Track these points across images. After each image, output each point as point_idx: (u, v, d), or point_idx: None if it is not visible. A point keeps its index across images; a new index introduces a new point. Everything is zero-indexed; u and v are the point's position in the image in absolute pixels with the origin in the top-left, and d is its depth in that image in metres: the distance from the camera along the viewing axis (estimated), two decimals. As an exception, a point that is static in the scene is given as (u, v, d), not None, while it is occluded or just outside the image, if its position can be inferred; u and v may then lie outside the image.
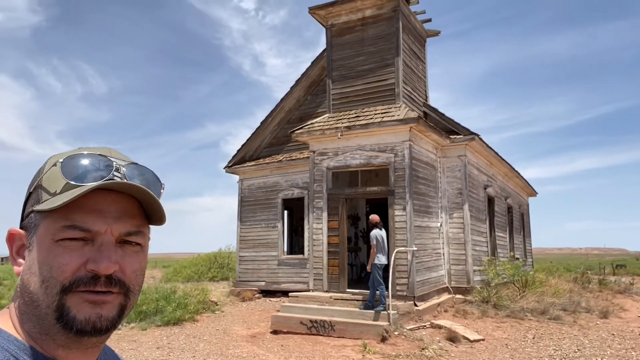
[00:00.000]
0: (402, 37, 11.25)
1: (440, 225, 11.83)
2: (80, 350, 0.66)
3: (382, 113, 10.59)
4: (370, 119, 10.50)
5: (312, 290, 10.58)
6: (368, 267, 9.09)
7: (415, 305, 9.55)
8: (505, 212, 16.37)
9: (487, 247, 13.44)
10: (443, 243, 11.85)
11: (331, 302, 9.64)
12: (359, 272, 14.64)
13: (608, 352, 7.24)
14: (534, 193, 22.61)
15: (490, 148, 13.41)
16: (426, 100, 12.81)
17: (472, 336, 8.12)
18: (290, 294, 10.73)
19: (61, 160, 0.67)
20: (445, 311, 10.29)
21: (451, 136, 11.97)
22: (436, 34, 13.65)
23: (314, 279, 10.69)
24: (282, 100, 14.81)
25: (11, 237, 0.69)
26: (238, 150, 15.26)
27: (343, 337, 8.33)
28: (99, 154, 0.69)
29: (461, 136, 11.99)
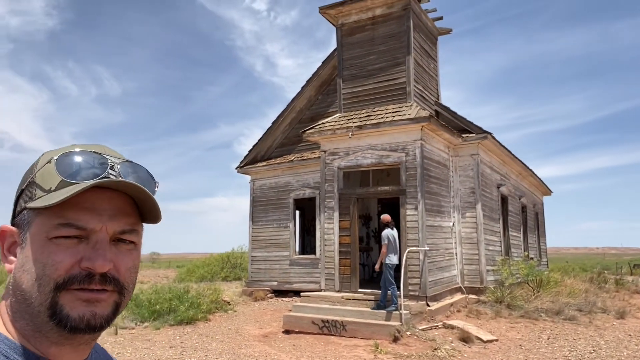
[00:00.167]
0: (413, 35, 11.19)
1: (453, 224, 11.74)
2: (73, 347, 0.66)
3: (393, 112, 10.54)
4: (381, 118, 10.46)
5: (324, 290, 10.57)
6: (377, 267, 9.06)
7: (428, 305, 9.49)
8: (519, 212, 16.18)
9: (501, 246, 13.29)
10: (456, 243, 11.76)
11: (343, 302, 9.63)
12: (370, 272, 14.60)
13: (625, 353, 7.11)
14: (548, 192, 22.32)
15: (504, 146, 13.26)
16: (438, 99, 12.72)
17: (485, 336, 8.04)
18: (302, 293, 10.74)
19: (56, 157, 0.66)
20: (458, 311, 10.21)
21: (463, 135, 11.87)
22: (448, 32, 13.55)
23: (326, 279, 10.69)
24: (293, 100, 14.84)
25: (2, 235, 0.68)
26: (250, 151, 15.32)
27: (355, 337, 8.31)
28: (93, 152, 0.68)
29: (474, 135, 11.88)
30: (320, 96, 14.67)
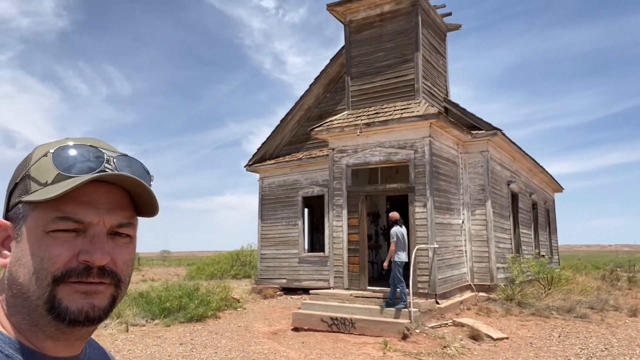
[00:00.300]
0: (422, 31, 11.12)
1: (462, 222, 11.67)
2: (69, 342, 0.66)
3: (401, 109, 10.49)
4: (390, 115, 10.42)
5: (333, 288, 10.58)
6: (385, 264, 9.04)
7: (437, 303, 9.45)
8: (529, 209, 16.04)
9: (511, 244, 13.19)
10: (465, 240, 11.69)
11: (352, 300, 9.63)
12: (379, 269, 14.57)
13: (637, 352, 7.02)
14: (559, 189, 22.09)
15: (514, 143, 13.15)
16: (447, 96, 12.64)
17: (496, 334, 7.99)
18: (311, 291, 10.76)
19: (52, 150, 0.66)
20: (468, 309, 10.15)
21: (473, 131, 11.79)
22: (457, 27, 13.45)
23: (335, 277, 10.69)
24: (301, 98, 14.84)
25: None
26: (258, 149, 15.36)
27: (364, 335, 8.31)
28: (89, 145, 0.68)
29: (483, 131, 11.79)
30: (328, 94, 14.66)
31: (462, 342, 7.65)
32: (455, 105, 12.30)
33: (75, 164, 0.65)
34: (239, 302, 11.79)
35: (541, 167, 16.93)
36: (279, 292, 13.70)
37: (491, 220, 11.66)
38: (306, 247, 14.59)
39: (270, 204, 14.88)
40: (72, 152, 0.66)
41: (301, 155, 14.37)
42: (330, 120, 11.53)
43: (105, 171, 0.66)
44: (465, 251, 11.68)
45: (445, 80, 12.81)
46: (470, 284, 11.53)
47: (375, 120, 10.46)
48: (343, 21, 12.00)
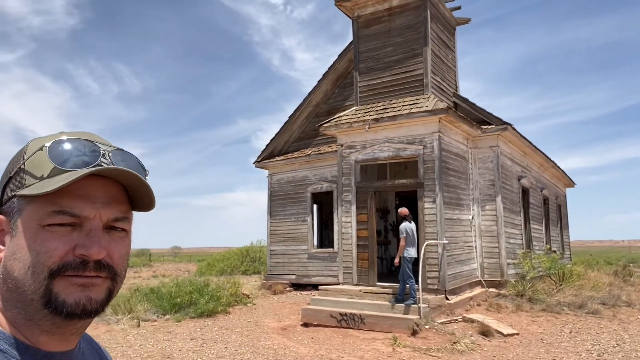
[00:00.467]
0: (431, 26, 11.04)
1: (472, 217, 11.61)
2: (64, 336, 0.67)
3: (410, 104, 10.44)
4: (398, 110, 10.38)
5: (342, 284, 10.59)
6: (396, 260, 9.02)
7: (447, 298, 9.42)
8: (540, 204, 15.90)
9: (522, 239, 13.09)
10: (475, 236, 11.63)
11: (361, 296, 9.63)
12: (389, 265, 14.56)
13: (650, 348, 6.94)
14: (571, 184, 21.86)
15: (524, 138, 13.02)
16: (456, 90, 12.55)
17: (506, 330, 7.95)
18: (320, 287, 10.79)
19: (48, 144, 0.66)
20: (478, 305, 10.11)
21: (483, 126, 11.70)
22: (466, 21, 13.33)
23: (344, 273, 10.70)
24: (309, 94, 14.83)
25: None
26: (267, 145, 15.39)
27: (373, 331, 8.32)
28: (85, 139, 0.68)
29: (493, 126, 11.70)
30: (336, 90, 14.63)
31: (472, 338, 7.63)
32: (465, 100, 12.20)
33: (71, 158, 0.65)
34: (248, 298, 11.86)
35: (552, 162, 16.76)
36: (288, 288, 13.76)
37: (501, 215, 11.58)
38: (315, 243, 14.61)
39: (279, 200, 14.92)
40: (68, 146, 0.66)
41: (310, 152, 14.37)
42: (339, 116, 11.51)
43: (102, 165, 0.66)
44: (475, 247, 11.62)
45: (455, 74, 12.72)
46: (480, 280, 11.48)
47: (384, 116, 10.42)
48: (351, 16, 11.95)
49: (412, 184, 10.32)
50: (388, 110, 10.60)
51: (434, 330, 7.94)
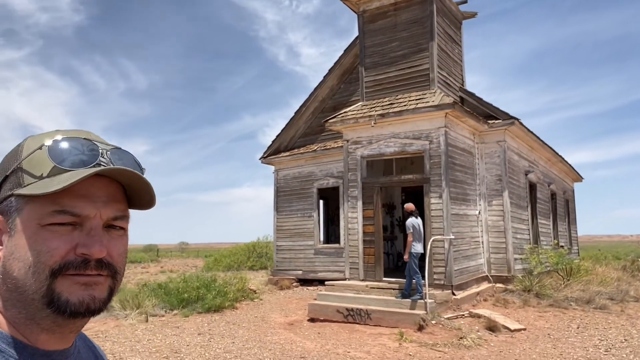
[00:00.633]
0: (437, 20, 10.97)
1: (479, 213, 11.57)
2: (63, 335, 0.67)
3: (416, 99, 10.40)
4: (404, 105, 10.34)
5: (348, 279, 10.62)
6: (405, 257, 9.01)
7: (453, 294, 9.42)
8: (548, 199, 15.81)
9: (529, 234, 13.04)
10: (482, 231, 11.59)
11: (367, 291, 9.65)
12: (395, 260, 14.56)
13: (659, 344, 6.91)
14: (579, 178, 21.70)
15: (532, 132, 12.94)
16: (463, 85, 12.48)
17: (513, 325, 7.94)
18: (326, 282, 10.82)
19: (48, 143, 0.65)
20: (485, 300, 10.10)
21: (489, 121, 11.63)
22: (472, 15, 13.23)
23: (350, 268, 10.72)
24: (315, 89, 14.81)
25: None
26: (273, 141, 15.41)
27: (379, 326, 8.34)
28: (84, 138, 0.68)
29: (500, 121, 11.63)
30: (342, 85, 14.60)
31: (479, 333, 7.63)
32: (472, 95, 12.13)
33: (71, 157, 0.65)
34: (255, 293, 11.92)
35: (560, 156, 16.65)
36: (295, 283, 13.81)
37: (508, 210, 11.53)
38: (322, 238, 14.64)
39: (285, 196, 14.95)
40: (68, 145, 0.66)
41: (316, 147, 14.38)
42: (345, 112, 11.49)
43: (101, 164, 0.66)
44: (482, 242, 11.58)
45: (461, 69, 12.64)
46: (487, 275, 11.45)
47: (390, 111, 10.39)
48: (356, 11, 11.90)
49: (418, 180, 10.30)
50: (394, 106, 10.56)
51: (441, 326, 7.95)
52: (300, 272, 14.18)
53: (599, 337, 7.36)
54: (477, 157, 11.80)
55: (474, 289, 10.30)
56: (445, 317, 8.39)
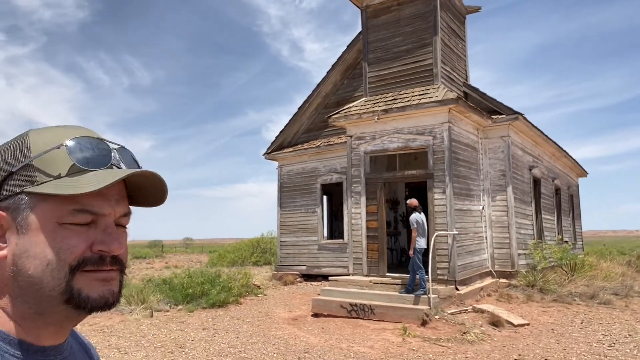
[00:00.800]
0: (440, 15, 10.92)
1: (483, 208, 11.55)
2: (66, 329, 0.69)
3: (419, 95, 10.37)
4: (408, 101, 10.32)
5: (352, 275, 10.64)
6: (410, 252, 9.02)
7: (457, 289, 9.43)
8: (552, 194, 15.76)
9: (533, 230, 13.01)
10: (485, 226, 11.58)
11: (371, 286, 9.68)
12: (398, 256, 14.58)
13: (663, 339, 6.90)
14: (584, 173, 21.61)
15: (536, 127, 12.88)
16: (466, 80, 12.43)
17: (516, 320, 7.95)
18: (330, 278, 10.85)
19: (68, 143, 0.66)
20: (489, 295, 10.10)
21: (493, 116, 11.59)
22: (476, 10, 13.15)
23: (354, 263, 10.75)
24: (318, 85, 14.79)
25: None
26: (277, 137, 15.42)
27: (383, 321, 8.36)
28: (97, 138, 0.69)
29: (504, 116, 11.58)
30: (345, 80, 14.57)
31: (482, 328, 7.64)
32: (475, 90, 12.09)
33: (92, 157, 0.66)
34: (259, 289, 11.97)
35: (564, 151, 16.58)
36: (299, 279, 13.85)
37: (512, 206, 11.51)
38: (325, 234, 14.67)
39: (289, 192, 14.97)
40: (87, 145, 0.67)
41: (319, 143, 14.37)
42: (348, 107, 11.48)
43: (113, 165, 0.68)
44: (486, 237, 11.58)
45: (465, 64, 12.59)
46: (490, 271, 11.45)
47: (393, 107, 10.37)
48: (360, 6, 11.86)
49: (421, 175, 10.29)
50: (397, 101, 10.54)
51: (444, 321, 7.97)
52: (304, 267, 14.22)
53: (602, 332, 7.35)
54: (480, 152, 11.77)
55: (477, 284, 10.30)
56: (449, 312, 8.41)
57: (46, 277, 0.63)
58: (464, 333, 7.22)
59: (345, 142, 12.10)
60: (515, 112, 11.48)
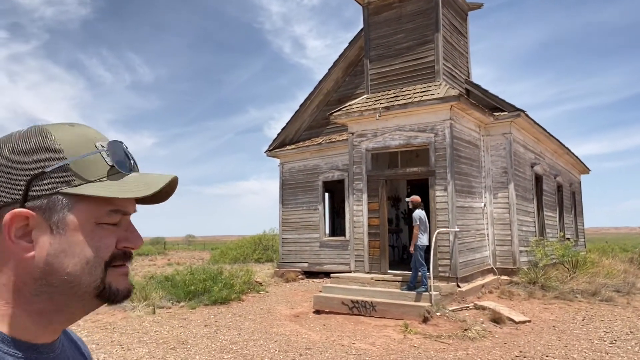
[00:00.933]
0: (442, 11, 10.90)
1: (484, 205, 11.55)
2: (65, 326, 0.71)
3: (421, 92, 10.36)
4: (409, 98, 10.31)
5: (354, 272, 10.66)
6: (411, 248, 9.04)
7: (458, 286, 9.44)
8: (554, 191, 15.74)
9: (535, 227, 13.00)
10: (487, 224, 11.58)
11: (372, 283, 9.70)
12: (400, 253, 14.59)
13: (664, 336, 6.90)
14: (586, 170, 21.56)
15: (538, 124, 12.86)
16: (468, 77, 12.41)
17: (518, 317, 7.96)
18: (332, 275, 10.87)
19: (105, 145, 0.70)
20: (490, 292, 10.11)
21: (495, 113, 11.57)
22: (478, 6, 13.11)
23: (355, 260, 10.76)
24: (320, 82, 14.78)
25: (18, 219, 0.65)
26: (278, 134, 15.42)
27: (384, 318, 8.39)
28: (119, 141, 0.73)
29: (506, 113, 11.56)
30: (347, 77, 14.56)
31: (483, 325, 7.65)
32: (477, 87, 12.07)
33: (124, 160, 0.71)
34: (261, 286, 12.00)
35: (567, 148, 16.54)
36: (300, 276, 13.88)
37: (514, 203, 11.50)
38: (327, 231, 14.68)
39: (290, 189, 14.99)
40: (115, 148, 0.71)
41: (321, 140, 14.38)
42: (349, 105, 11.48)
43: (132, 165, 0.73)
44: (487, 234, 11.58)
45: (467, 61, 12.56)
46: (492, 268, 11.46)
47: (395, 104, 10.36)
48: (362, 3, 11.83)
49: (423, 172, 10.29)
50: (399, 98, 10.53)
51: (445, 318, 7.98)
52: (306, 264, 14.25)
53: (604, 329, 7.36)
54: (482, 149, 11.76)
55: (479, 281, 10.31)
56: (450, 309, 8.42)
57: (84, 275, 0.66)
58: (465, 330, 7.24)
59: (346, 139, 12.10)
60: (517, 109, 11.46)
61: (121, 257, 0.70)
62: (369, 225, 10.65)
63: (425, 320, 7.92)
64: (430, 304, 8.28)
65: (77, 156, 0.66)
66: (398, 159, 10.97)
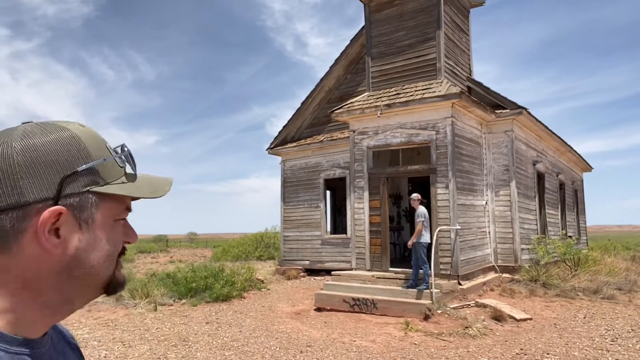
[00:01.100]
0: (444, 8, 10.86)
1: (486, 203, 11.53)
2: (71, 312, 0.74)
3: (422, 89, 10.34)
4: (411, 96, 10.29)
5: (355, 269, 10.67)
6: (409, 244, 9.01)
7: (460, 284, 9.44)
8: (556, 189, 15.70)
9: (537, 225, 12.98)
10: (489, 221, 11.57)
11: (373, 281, 9.70)
12: (401, 251, 14.59)
13: (666, 334, 6.89)
14: (588, 168, 21.51)
15: (540, 122, 12.82)
16: (470, 75, 12.38)
17: (519, 315, 7.95)
18: (333, 272, 10.88)
19: (119, 149, 0.76)
20: (492, 290, 10.11)
21: (497, 111, 11.54)
22: (481, 4, 13.07)
23: (357, 258, 10.77)
24: (322, 80, 14.77)
25: (55, 216, 0.66)
26: (280, 132, 15.43)
27: (385, 315, 8.39)
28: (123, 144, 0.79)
29: (508, 111, 11.53)
30: (349, 75, 14.54)
31: (484, 322, 7.65)
32: (479, 84, 12.04)
33: (133, 162, 0.76)
34: (263, 283, 12.03)
35: (569, 146, 16.50)
36: (302, 273, 13.90)
37: (515, 201, 11.48)
38: (328, 229, 14.70)
39: (292, 187, 14.99)
40: (128, 151, 0.76)
41: (322, 138, 14.37)
42: (351, 102, 11.46)
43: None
44: (489, 232, 11.56)
45: (469, 58, 12.53)
46: (493, 265, 11.45)
47: (396, 101, 10.34)
48: (363, 0, 11.80)
49: (424, 170, 10.28)
50: (400, 96, 10.52)
51: (446, 315, 7.98)
52: (307, 262, 14.26)
53: (605, 327, 7.35)
54: (484, 147, 11.74)
55: (480, 279, 10.31)
56: (451, 306, 8.42)
57: (104, 267, 0.71)
58: (466, 327, 7.24)
59: (348, 137, 12.10)
60: (519, 107, 11.43)
61: (122, 251, 0.76)
62: (370, 223, 10.65)
63: (426, 317, 7.92)
64: (431, 302, 8.29)
65: (101, 158, 0.71)
66: (399, 157, 10.96)
